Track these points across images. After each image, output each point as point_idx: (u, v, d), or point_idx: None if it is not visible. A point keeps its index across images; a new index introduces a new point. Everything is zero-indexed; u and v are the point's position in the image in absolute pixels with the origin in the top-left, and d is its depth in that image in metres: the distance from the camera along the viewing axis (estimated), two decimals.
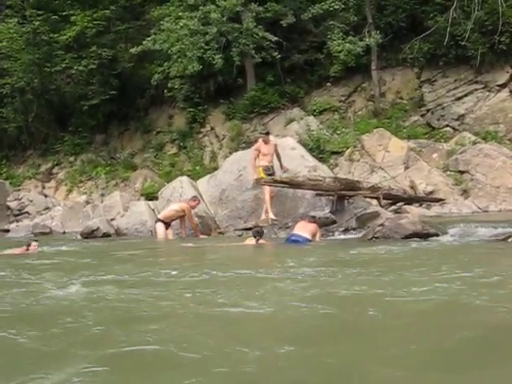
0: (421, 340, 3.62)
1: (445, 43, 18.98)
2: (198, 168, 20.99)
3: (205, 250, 10.70)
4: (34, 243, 11.23)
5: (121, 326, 4.22)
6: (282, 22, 20.36)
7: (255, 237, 10.50)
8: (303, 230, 10.42)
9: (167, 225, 13.53)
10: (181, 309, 4.73)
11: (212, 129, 22.71)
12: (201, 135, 22.74)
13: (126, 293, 5.48)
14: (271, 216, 12.51)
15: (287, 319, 4.32)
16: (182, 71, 20.55)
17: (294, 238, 10.22)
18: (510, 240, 8.68)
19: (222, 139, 22.11)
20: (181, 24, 20.27)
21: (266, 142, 13.23)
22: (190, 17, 20.44)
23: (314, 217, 11.15)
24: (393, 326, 4.04)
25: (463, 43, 18.80)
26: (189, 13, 20.68)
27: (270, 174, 12.83)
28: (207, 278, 6.35)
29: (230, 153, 19.06)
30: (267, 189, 12.65)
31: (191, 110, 22.61)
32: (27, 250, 11.02)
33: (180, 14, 20.73)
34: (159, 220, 13.64)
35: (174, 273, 6.71)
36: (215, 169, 18.34)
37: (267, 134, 13.85)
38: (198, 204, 13.57)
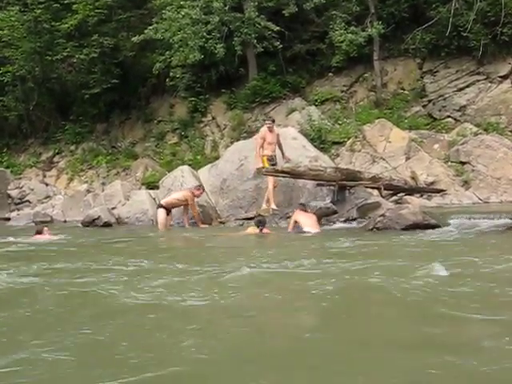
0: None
1: (447, 34, 18.92)
2: (199, 157, 20.98)
3: (209, 240, 10.71)
4: (45, 229, 11.41)
5: None
6: (284, 12, 20.29)
7: (258, 226, 10.55)
8: (312, 224, 10.48)
9: (168, 211, 13.60)
10: None
11: (213, 118, 22.69)
12: (202, 124, 22.71)
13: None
14: (273, 206, 12.56)
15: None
16: (183, 60, 20.50)
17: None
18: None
19: (224, 129, 22.09)
20: (183, 13, 20.21)
21: (271, 131, 13.24)
22: (191, 6, 20.38)
23: (303, 205, 11.28)
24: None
25: (465, 34, 18.73)
26: (191, 2, 20.60)
27: (273, 164, 12.85)
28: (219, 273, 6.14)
29: (232, 142, 19.08)
30: (271, 179, 12.68)
31: (193, 99, 22.57)
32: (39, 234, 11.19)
33: (182, 2, 20.64)
34: (161, 206, 13.71)
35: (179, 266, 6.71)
36: (216, 158, 18.34)
37: (273, 121, 13.86)
38: (201, 193, 13.65)
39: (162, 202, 13.91)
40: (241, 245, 9.64)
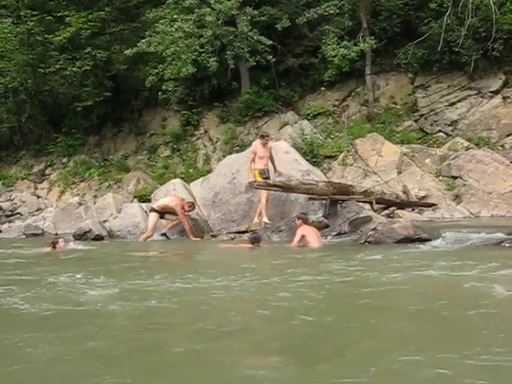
0: None
1: (439, 49, 19.05)
2: (191, 171, 20.98)
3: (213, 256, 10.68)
4: (60, 240, 11.47)
5: None
6: (277, 26, 20.39)
7: (253, 243, 10.46)
8: (317, 238, 10.32)
9: (161, 215, 13.64)
10: None
11: (206, 132, 22.71)
12: (194, 138, 22.72)
13: None
14: (265, 219, 12.54)
15: None
16: (176, 74, 20.51)
17: None
18: (502, 245, 8.72)
19: (216, 142, 22.10)
20: (176, 26, 20.24)
21: (264, 145, 13.25)
22: (185, 19, 20.42)
23: (305, 215, 11.10)
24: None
25: (457, 49, 18.86)
26: (184, 15, 20.65)
27: (265, 178, 12.84)
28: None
29: (224, 156, 19.08)
30: (264, 192, 12.68)
31: (185, 112, 22.60)
32: (54, 248, 11.21)
33: (175, 16, 20.68)
34: (153, 210, 13.74)
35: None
36: (208, 172, 18.33)
37: (268, 136, 13.88)
38: (191, 210, 13.61)
39: (155, 205, 13.96)
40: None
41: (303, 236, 10.28)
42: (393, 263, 7.54)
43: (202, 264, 9.28)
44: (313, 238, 10.24)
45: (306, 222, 10.61)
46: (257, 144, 13.51)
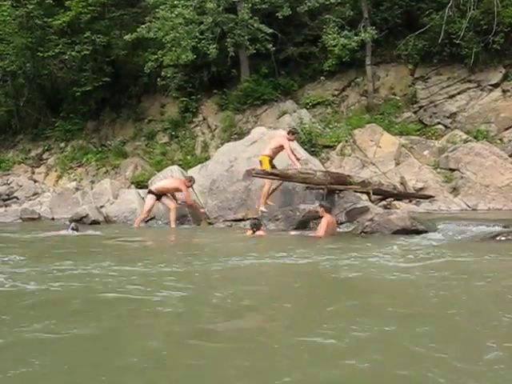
0: None
1: (439, 41, 19.01)
2: (189, 158, 20.95)
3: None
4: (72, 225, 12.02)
5: None
6: (277, 14, 20.32)
7: (252, 228, 10.50)
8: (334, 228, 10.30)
9: (158, 197, 13.71)
10: None
11: (204, 119, 22.66)
12: (193, 125, 22.68)
13: None
14: (262, 208, 12.54)
15: None
16: (175, 60, 20.44)
17: None
18: (497, 238, 8.73)
19: (214, 130, 22.06)
20: (176, 12, 20.15)
21: (291, 140, 13.19)
22: (185, 5, 20.33)
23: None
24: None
25: (458, 42, 18.82)
26: (184, 1, 20.56)
27: (273, 166, 12.77)
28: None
29: (222, 143, 19.05)
30: (268, 181, 12.66)
31: (184, 99, 22.55)
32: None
33: (175, 2, 20.58)
34: (151, 192, 13.80)
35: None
36: (206, 159, 18.32)
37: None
38: (192, 183, 13.83)
39: (153, 188, 14.01)
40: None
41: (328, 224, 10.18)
42: (386, 254, 7.53)
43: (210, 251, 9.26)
44: (329, 227, 10.18)
45: (328, 210, 10.48)
46: (287, 137, 13.20)
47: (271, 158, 12.81)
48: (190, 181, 13.86)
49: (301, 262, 6.99)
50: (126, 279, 5.83)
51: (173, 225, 13.49)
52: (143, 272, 6.38)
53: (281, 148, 12.83)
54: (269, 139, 13.73)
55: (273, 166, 12.67)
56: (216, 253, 8.38)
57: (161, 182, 14.43)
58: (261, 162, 12.75)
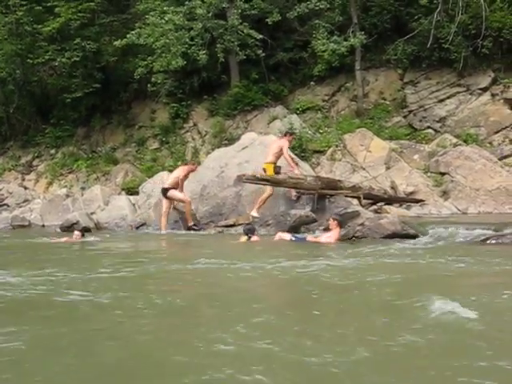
0: None
1: (428, 45, 19.10)
2: (179, 163, 20.89)
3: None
4: (76, 233, 12.04)
5: None
6: (267, 20, 20.37)
7: (246, 234, 10.47)
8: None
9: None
10: None
11: (195, 125, 22.67)
12: (183, 131, 22.68)
13: None
14: (253, 213, 12.54)
15: None
16: (165, 66, 20.46)
17: None
18: (488, 242, 8.77)
19: (205, 135, 22.07)
20: (166, 19, 20.18)
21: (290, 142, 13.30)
22: (175, 12, 20.36)
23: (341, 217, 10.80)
24: None
25: (446, 46, 18.92)
26: (174, 8, 20.60)
27: (277, 173, 12.78)
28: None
29: (212, 149, 19.08)
30: (269, 188, 12.67)
31: (174, 105, 22.55)
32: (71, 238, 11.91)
33: (165, 8, 20.64)
34: (169, 189, 13.70)
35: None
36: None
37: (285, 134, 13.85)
38: (196, 167, 14.26)
39: (166, 185, 13.97)
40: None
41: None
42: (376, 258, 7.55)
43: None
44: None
45: (341, 225, 10.16)
46: (287, 139, 13.24)
47: (275, 164, 12.85)
48: (194, 164, 14.34)
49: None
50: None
51: (190, 221, 13.46)
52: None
53: (281, 152, 12.89)
54: (268, 146, 13.68)
55: (277, 172, 12.70)
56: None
57: (170, 176, 14.45)
58: (265, 169, 12.78)
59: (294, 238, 10.22)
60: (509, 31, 18.57)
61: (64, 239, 11.86)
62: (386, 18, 20.73)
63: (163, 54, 20.34)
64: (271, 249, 9.52)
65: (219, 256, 8.03)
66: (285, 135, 13.45)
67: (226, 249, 10.12)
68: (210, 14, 20.31)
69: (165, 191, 13.81)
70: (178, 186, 13.78)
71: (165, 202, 13.79)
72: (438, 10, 19.02)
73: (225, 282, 6.13)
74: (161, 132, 22.75)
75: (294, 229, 11.31)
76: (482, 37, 18.51)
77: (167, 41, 20.06)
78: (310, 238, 10.40)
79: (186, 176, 13.90)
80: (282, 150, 12.84)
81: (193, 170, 14.05)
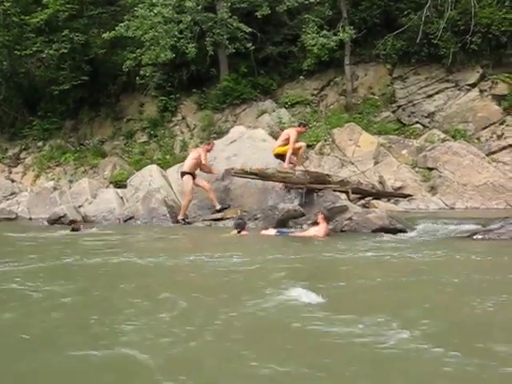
0: None
1: (417, 41, 19.16)
2: (168, 157, 20.88)
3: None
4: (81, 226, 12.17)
5: None
6: (256, 14, 20.34)
7: (236, 229, 10.42)
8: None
9: (193, 176, 13.39)
10: None
11: (183, 118, 22.61)
12: (172, 124, 22.63)
13: None
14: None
15: None
16: (154, 59, 20.39)
17: None
18: (475, 237, 8.80)
19: (193, 129, 22.03)
20: (155, 11, 20.10)
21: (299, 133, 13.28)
22: (164, 4, 20.28)
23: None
24: None
25: (436, 42, 18.99)
26: (163, 0, 20.50)
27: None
28: None
29: (201, 143, 19.05)
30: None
31: (163, 98, 22.49)
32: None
33: (154, 1, 20.53)
34: (186, 173, 13.45)
35: None
36: (185, 158, 18.19)
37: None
38: (212, 147, 13.89)
39: (184, 168, 13.63)
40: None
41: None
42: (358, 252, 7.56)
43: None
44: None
45: (328, 220, 9.98)
46: (298, 130, 13.19)
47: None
48: (210, 144, 14.03)
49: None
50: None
51: (217, 205, 13.13)
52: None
53: (287, 141, 12.83)
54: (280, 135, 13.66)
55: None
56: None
57: (187, 160, 13.98)
58: (277, 154, 12.82)
59: (278, 233, 10.22)
60: (497, 27, 18.64)
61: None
62: (375, 12, 20.78)
63: (152, 47, 20.27)
64: (259, 242, 9.50)
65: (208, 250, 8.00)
66: (299, 126, 13.52)
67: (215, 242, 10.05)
68: (200, 7, 20.25)
69: (182, 175, 13.64)
70: (195, 168, 13.55)
71: (198, 183, 13.58)
72: (428, 5, 19.07)
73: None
74: (149, 125, 22.68)
75: (281, 222, 11.29)
76: (470, 33, 18.58)
77: (156, 33, 19.99)
78: (297, 232, 10.38)
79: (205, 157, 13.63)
80: (288, 139, 12.82)
81: (209, 150, 13.77)
